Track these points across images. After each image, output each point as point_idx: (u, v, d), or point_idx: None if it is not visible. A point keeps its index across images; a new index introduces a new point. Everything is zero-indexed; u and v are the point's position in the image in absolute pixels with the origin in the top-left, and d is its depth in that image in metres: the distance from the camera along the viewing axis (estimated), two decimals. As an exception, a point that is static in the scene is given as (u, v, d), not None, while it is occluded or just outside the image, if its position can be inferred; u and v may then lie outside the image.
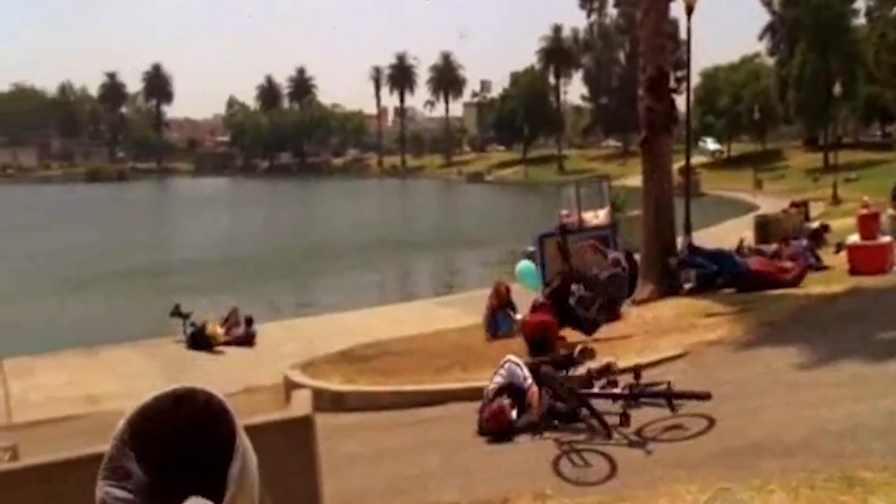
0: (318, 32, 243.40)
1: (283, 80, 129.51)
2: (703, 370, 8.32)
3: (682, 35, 19.60)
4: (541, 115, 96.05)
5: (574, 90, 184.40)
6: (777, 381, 7.46)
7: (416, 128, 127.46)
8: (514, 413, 7.01)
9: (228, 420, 0.89)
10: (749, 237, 20.20)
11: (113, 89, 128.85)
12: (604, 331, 10.32)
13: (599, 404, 6.76)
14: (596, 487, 5.33)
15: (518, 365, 7.30)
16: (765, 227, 22.37)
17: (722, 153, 74.98)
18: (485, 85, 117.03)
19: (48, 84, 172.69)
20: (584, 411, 6.77)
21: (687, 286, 13.44)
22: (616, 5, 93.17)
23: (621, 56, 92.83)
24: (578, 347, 7.83)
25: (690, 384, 7.01)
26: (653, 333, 10.22)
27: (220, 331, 14.39)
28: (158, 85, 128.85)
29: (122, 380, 11.96)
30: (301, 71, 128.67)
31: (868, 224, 14.09)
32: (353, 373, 9.94)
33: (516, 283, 13.52)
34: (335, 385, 9.51)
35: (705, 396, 6.37)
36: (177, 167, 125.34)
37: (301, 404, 3.66)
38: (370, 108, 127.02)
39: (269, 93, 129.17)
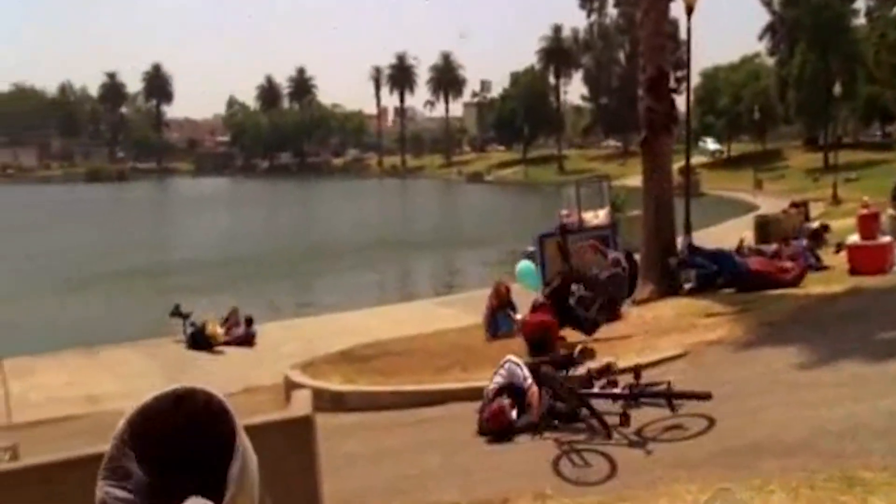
0: (318, 32, 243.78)
1: (283, 80, 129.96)
2: (703, 370, 8.32)
3: (682, 35, 19.64)
4: (541, 115, 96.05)
5: (574, 90, 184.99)
6: (777, 381, 7.45)
7: (416, 128, 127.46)
8: (514, 413, 7.01)
9: (228, 420, 0.89)
10: (749, 237, 20.19)
11: (113, 89, 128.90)
12: (604, 331, 10.32)
13: (599, 404, 6.76)
14: (596, 487, 5.32)
15: (518, 365, 7.30)
16: (765, 227, 22.36)
17: (722, 153, 74.97)
18: (485, 85, 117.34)
19: (48, 84, 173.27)
20: (584, 411, 6.77)
21: (687, 286, 13.44)
22: (616, 5, 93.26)
23: (621, 56, 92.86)
24: (578, 347, 7.83)
25: (690, 384, 7.01)
26: (653, 333, 10.22)
27: (220, 331, 14.40)
28: (158, 85, 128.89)
29: (122, 380, 11.96)
30: (301, 71, 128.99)
31: (868, 224, 14.09)
32: (353, 373, 9.94)
33: (516, 283, 13.51)
34: (335, 385, 9.51)
35: (705, 396, 6.37)
36: (177, 167, 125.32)
37: (301, 404, 3.65)
38: (370, 108, 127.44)
39: (269, 93, 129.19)
